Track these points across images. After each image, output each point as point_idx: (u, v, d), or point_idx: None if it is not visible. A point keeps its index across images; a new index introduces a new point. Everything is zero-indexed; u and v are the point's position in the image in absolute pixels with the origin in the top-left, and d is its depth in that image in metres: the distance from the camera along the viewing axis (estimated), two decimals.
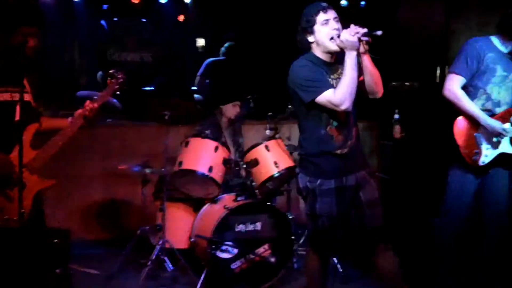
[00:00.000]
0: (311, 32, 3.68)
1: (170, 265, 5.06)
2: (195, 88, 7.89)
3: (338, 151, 3.71)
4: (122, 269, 5.25)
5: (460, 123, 4.29)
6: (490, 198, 4.38)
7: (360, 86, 3.66)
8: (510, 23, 4.20)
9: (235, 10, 8.73)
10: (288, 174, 5.25)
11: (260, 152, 5.14)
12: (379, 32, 3.45)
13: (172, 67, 8.41)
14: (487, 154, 4.27)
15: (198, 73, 7.76)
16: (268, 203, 5.07)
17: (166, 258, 5.05)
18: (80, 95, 6.77)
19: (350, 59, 3.53)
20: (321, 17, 3.64)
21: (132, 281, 4.93)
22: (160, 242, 5.00)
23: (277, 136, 5.41)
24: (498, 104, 4.32)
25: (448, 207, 4.39)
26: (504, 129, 4.24)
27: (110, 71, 4.12)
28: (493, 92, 4.29)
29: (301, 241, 5.57)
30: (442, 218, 4.41)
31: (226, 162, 5.15)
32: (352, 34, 3.49)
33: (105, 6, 8.36)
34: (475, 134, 4.26)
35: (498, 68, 4.27)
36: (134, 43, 8.11)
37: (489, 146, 4.28)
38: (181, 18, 8.66)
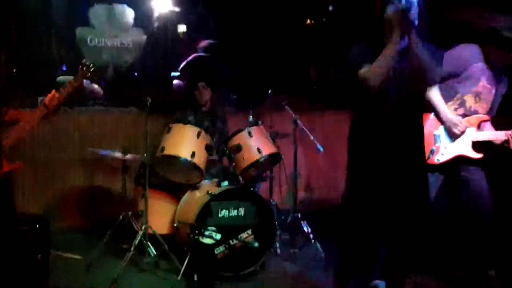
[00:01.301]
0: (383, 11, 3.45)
1: (153, 251, 5.03)
2: (175, 74, 7.85)
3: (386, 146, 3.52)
4: (103, 254, 5.21)
5: (426, 121, 4.35)
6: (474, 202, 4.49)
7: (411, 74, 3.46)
8: (499, 35, 4.25)
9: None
10: (271, 160, 5.26)
11: (243, 138, 5.14)
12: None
13: (153, 53, 8.34)
14: (444, 152, 4.35)
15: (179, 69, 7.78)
16: (251, 189, 5.06)
17: (148, 244, 5.02)
18: (60, 80, 6.68)
19: (391, 39, 3.34)
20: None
21: (114, 266, 4.88)
22: (143, 228, 4.96)
23: (259, 122, 5.40)
24: (471, 112, 4.43)
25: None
26: (460, 121, 4.35)
27: (83, 61, 4.11)
28: (468, 100, 4.36)
29: (284, 227, 5.58)
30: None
31: (208, 148, 5.13)
32: (393, 13, 3.33)
33: None
34: (434, 132, 4.33)
35: (482, 79, 4.32)
36: (114, 28, 8.00)
37: (447, 145, 4.36)
38: (162, 4, 8.58)
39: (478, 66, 4.35)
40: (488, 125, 4.49)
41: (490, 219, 4.49)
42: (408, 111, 3.52)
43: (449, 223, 4.77)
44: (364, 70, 3.38)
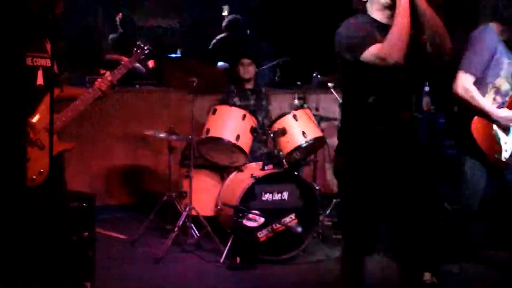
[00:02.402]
0: None
1: (196, 232, 5.06)
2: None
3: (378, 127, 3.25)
4: (147, 234, 5.27)
5: (477, 125, 4.18)
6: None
7: (423, 47, 3.17)
8: (504, 11, 4.10)
9: None
10: (315, 144, 5.22)
11: (287, 122, 5.12)
12: None
13: (199, 34, 8.36)
14: (506, 148, 4.23)
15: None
16: (295, 173, 5.04)
17: (191, 225, 5.05)
18: (108, 59, 6.74)
19: (399, 4, 3.04)
20: None
21: (158, 246, 4.93)
22: (187, 209, 4.99)
23: (305, 105, 5.36)
24: (506, 94, 4.24)
25: (463, 197, 4.31)
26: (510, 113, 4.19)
27: (138, 42, 4.10)
28: (502, 84, 4.21)
29: (327, 212, 5.55)
30: (457, 206, 4.35)
31: (253, 130, 5.12)
32: None
33: None
34: (493, 133, 4.19)
35: (504, 59, 4.18)
36: (161, 9, 8.04)
37: (506, 140, 4.23)
38: None
39: (499, 48, 4.20)
40: None
41: None
42: (418, 78, 3.30)
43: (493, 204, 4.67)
44: (374, 50, 3.07)
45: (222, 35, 7.78)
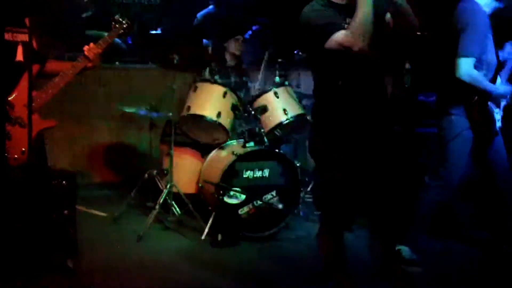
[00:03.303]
0: None
1: (178, 210, 5.07)
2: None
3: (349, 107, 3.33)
4: (128, 211, 5.27)
5: (476, 106, 4.23)
6: (499, 157, 4.40)
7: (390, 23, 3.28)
8: None
9: None
10: (297, 122, 5.23)
11: (269, 99, 5.12)
12: None
13: (180, 10, 8.27)
14: (498, 118, 4.33)
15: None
16: (276, 150, 5.05)
17: (173, 202, 5.06)
18: (89, 34, 6.66)
19: None
20: None
21: (139, 223, 4.94)
22: (167, 186, 4.99)
23: (286, 83, 5.36)
24: (493, 68, 4.30)
25: (447, 173, 4.35)
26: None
27: (116, 17, 4.05)
28: (488, 57, 4.24)
29: (308, 188, 5.58)
30: (439, 182, 4.38)
31: (234, 108, 5.11)
32: None
33: None
34: (488, 108, 4.24)
35: (489, 34, 4.20)
36: None
37: (497, 110, 4.34)
38: None
39: (488, 23, 4.21)
40: None
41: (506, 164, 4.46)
42: (381, 59, 3.35)
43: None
44: (339, 37, 3.14)
45: (208, 10, 7.67)
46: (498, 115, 4.36)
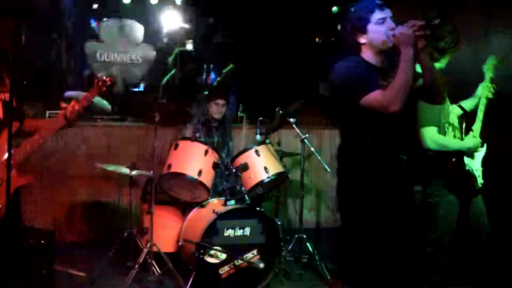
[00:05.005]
0: (363, 32, 3.30)
1: (157, 269, 5.00)
2: None
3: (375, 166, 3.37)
4: (107, 271, 5.19)
5: (453, 165, 4.30)
6: (478, 212, 4.46)
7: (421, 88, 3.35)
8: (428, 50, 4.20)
9: (226, 12, 8.71)
10: (278, 180, 5.24)
11: (250, 157, 5.14)
12: (437, 21, 3.10)
13: (162, 69, 8.38)
14: (479, 174, 4.39)
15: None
16: (257, 208, 5.04)
17: (153, 262, 4.99)
18: (68, 95, 6.68)
19: (404, 56, 3.14)
20: (377, 15, 3.27)
21: (117, 283, 4.86)
22: (148, 245, 4.94)
23: (267, 141, 5.39)
24: (459, 126, 4.42)
25: (436, 237, 4.38)
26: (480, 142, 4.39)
27: (98, 74, 4.08)
28: (454, 119, 4.34)
29: (289, 247, 5.55)
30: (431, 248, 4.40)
31: (215, 166, 5.11)
32: (409, 27, 3.12)
33: (95, 6, 8.30)
34: (466, 167, 4.31)
35: None
36: (124, 44, 8.04)
37: (476, 167, 4.38)
38: (171, 20, 8.63)
39: None
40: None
41: (488, 230, 4.48)
42: (406, 123, 3.44)
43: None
44: (375, 97, 3.20)
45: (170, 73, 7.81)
46: (478, 171, 4.41)
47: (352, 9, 3.36)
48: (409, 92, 3.17)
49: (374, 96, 3.20)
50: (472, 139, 4.37)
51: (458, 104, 4.53)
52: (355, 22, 3.32)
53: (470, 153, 4.37)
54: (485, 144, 4.49)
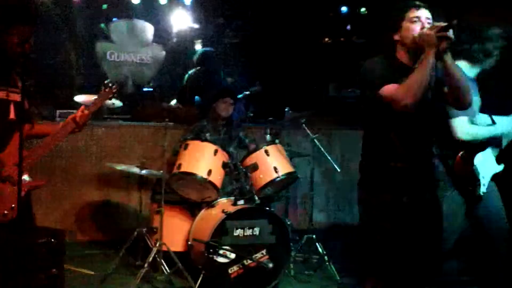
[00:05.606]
0: (397, 29, 3.38)
1: (167, 268, 5.01)
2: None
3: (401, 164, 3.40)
4: (117, 270, 5.18)
5: (460, 161, 4.23)
6: (491, 216, 4.39)
7: (447, 94, 3.38)
8: (473, 51, 4.19)
9: (235, 13, 8.73)
10: (287, 180, 5.23)
11: (259, 157, 5.12)
12: (455, 21, 3.15)
13: (171, 69, 8.40)
14: (484, 183, 4.29)
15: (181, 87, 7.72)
16: (267, 208, 5.04)
17: (162, 261, 5.00)
18: (77, 99, 6.69)
19: (425, 56, 3.18)
20: (412, 13, 3.34)
21: (127, 283, 4.87)
22: (157, 245, 4.95)
23: (277, 141, 5.38)
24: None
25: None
26: None
27: (106, 81, 4.10)
28: (478, 121, 4.30)
29: (299, 247, 5.54)
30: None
31: (225, 165, 5.11)
32: (431, 28, 3.20)
33: (104, 6, 8.33)
34: (473, 168, 4.26)
35: (475, 96, 4.26)
36: (134, 44, 8.07)
37: (484, 174, 4.29)
38: (181, 20, 8.65)
39: (472, 84, 4.28)
40: None
41: (506, 233, 4.43)
42: (430, 128, 3.48)
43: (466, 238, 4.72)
44: (390, 90, 3.27)
45: (193, 70, 7.77)
46: (485, 179, 4.29)
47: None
48: (423, 92, 3.20)
49: (388, 89, 3.26)
50: (505, 121, 4.29)
51: None
52: (392, 18, 3.42)
53: (498, 142, 4.31)
54: (502, 164, 4.39)
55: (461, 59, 4.23)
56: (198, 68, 7.65)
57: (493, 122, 4.37)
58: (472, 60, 4.25)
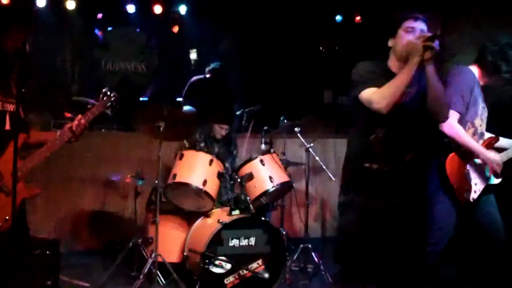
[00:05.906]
0: (392, 35, 3.51)
1: (162, 279, 4.99)
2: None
3: (377, 166, 3.47)
4: (112, 281, 5.18)
5: (452, 161, 4.22)
6: (487, 222, 4.38)
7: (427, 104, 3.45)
8: (489, 59, 4.20)
9: (230, 22, 8.73)
10: (282, 189, 5.23)
11: (255, 167, 5.13)
12: (438, 32, 3.36)
13: (166, 77, 8.39)
14: (475, 189, 4.26)
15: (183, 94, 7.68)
16: (262, 218, 5.03)
17: (157, 272, 4.98)
18: (76, 100, 6.68)
19: (408, 64, 3.30)
20: (408, 23, 3.46)
21: None
22: (152, 255, 4.93)
23: (271, 150, 5.38)
24: (482, 136, 4.34)
25: (431, 235, 4.32)
26: (497, 158, 4.27)
27: (104, 90, 4.09)
28: (478, 124, 4.29)
29: (294, 257, 5.53)
30: (431, 247, 4.36)
31: (220, 175, 5.11)
32: (416, 37, 3.33)
33: (99, 15, 8.33)
34: (465, 172, 4.24)
35: (479, 100, 4.27)
36: (129, 52, 8.07)
37: (477, 181, 4.27)
38: (175, 29, 8.64)
39: (476, 89, 4.28)
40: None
41: (503, 238, 4.42)
42: (413, 136, 3.54)
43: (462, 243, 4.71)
44: (368, 92, 3.38)
45: (202, 76, 7.70)
46: (476, 186, 4.27)
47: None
48: (398, 96, 3.33)
49: (367, 91, 3.39)
50: (496, 154, 4.29)
51: None
52: (390, 24, 3.54)
53: (481, 170, 4.28)
54: (500, 179, 4.37)
55: (476, 64, 4.29)
56: (209, 76, 7.62)
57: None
58: (482, 69, 4.28)
